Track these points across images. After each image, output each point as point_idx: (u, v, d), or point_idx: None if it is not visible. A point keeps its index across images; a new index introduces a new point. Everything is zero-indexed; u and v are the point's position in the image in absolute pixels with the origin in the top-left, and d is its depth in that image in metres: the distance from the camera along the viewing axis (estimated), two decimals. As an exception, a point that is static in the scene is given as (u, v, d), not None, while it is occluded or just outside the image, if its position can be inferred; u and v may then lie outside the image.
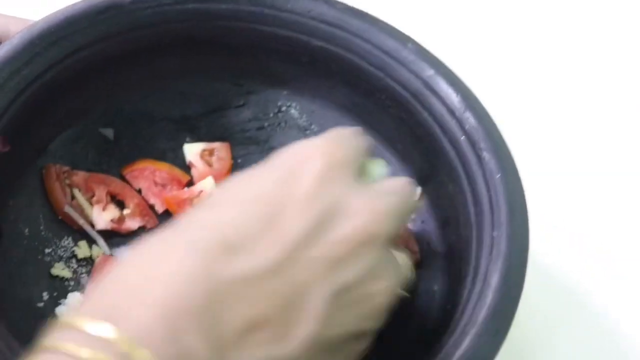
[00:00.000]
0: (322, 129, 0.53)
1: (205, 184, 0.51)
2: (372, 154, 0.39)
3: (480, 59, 0.67)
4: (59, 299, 0.46)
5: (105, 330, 0.27)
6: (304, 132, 0.54)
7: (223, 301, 0.28)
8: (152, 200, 0.51)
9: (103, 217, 0.49)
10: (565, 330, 0.55)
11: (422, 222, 0.50)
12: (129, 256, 0.31)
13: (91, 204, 0.49)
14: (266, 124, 0.54)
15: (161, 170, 0.51)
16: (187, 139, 0.53)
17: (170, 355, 0.27)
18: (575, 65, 0.68)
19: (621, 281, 0.57)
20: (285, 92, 0.53)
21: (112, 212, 0.49)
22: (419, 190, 0.49)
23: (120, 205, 0.50)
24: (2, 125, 0.43)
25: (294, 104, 0.54)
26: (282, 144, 0.53)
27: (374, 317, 0.34)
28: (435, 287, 0.47)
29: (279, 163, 0.34)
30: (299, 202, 0.32)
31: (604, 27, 0.70)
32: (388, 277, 0.34)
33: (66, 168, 0.49)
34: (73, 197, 0.49)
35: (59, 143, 0.49)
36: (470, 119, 0.45)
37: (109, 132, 0.51)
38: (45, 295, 0.46)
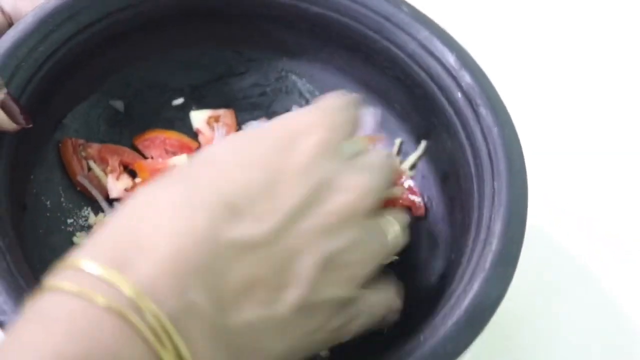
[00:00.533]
0: (322, 92, 0.55)
1: (179, 160, 0.52)
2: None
3: (480, 29, 0.70)
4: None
5: (113, 276, 0.28)
6: (305, 96, 0.56)
7: (225, 262, 0.30)
8: None
9: (117, 186, 0.51)
10: (574, 314, 0.57)
11: (423, 177, 0.53)
12: (138, 201, 0.32)
13: (106, 174, 0.51)
14: (268, 90, 0.56)
15: (171, 138, 0.53)
16: (193, 107, 0.55)
17: (175, 308, 0.28)
18: (585, 39, 0.70)
19: (630, 265, 0.60)
20: (285, 58, 0.55)
21: (126, 181, 0.51)
22: (423, 144, 0.52)
23: (133, 174, 0.52)
24: (22, 103, 0.44)
25: (294, 69, 0.56)
26: (285, 108, 0.56)
27: (354, 282, 0.36)
28: (439, 239, 0.50)
29: (278, 129, 0.36)
30: (297, 172, 0.34)
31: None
32: (371, 248, 0.37)
33: (82, 141, 0.51)
34: (90, 169, 0.51)
35: (72, 117, 0.51)
36: (466, 77, 0.47)
37: (119, 104, 0.53)
38: (72, 263, 0.48)
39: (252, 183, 0.33)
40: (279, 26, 0.53)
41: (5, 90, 0.42)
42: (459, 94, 0.48)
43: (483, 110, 0.46)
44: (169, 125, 0.54)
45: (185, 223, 0.30)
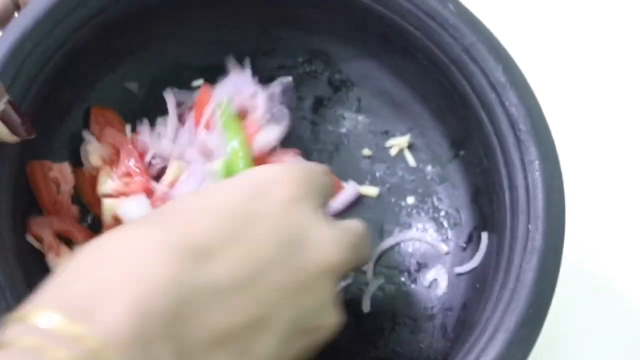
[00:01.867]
0: (353, 81, 0.51)
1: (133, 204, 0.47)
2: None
3: (531, 25, 0.63)
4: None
5: (71, 328, 0.25)
6: (335, 83, 0.52)
7: (193, 310, 0.28)
8: None
9: (59, 263, 0.44)
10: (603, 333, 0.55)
11: (453, 186, 0.49)
12: (98, 246, 0.29)
13: (43, 251, 0.44)
14: (294, 73, 0.52)
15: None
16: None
17: None
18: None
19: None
20: (316, 39, 0.51)
21: (66, 254, 0.44)
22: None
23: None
24: (28, 100, 0.41)
25: (325, 51, 0.51)
26: (312, 94, 0.52)
27: (314, 347, 0.34)
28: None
29: (248, 180, 0.34)
30: (269, 222, 0.32)
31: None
32: (336, 314, 0.35)
33: (49, 163, 0.46)
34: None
35: (82, 102, 0.48)
36: (511, 96, 0.43)
37: (133, 86, 0.49)
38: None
39: (223, 227, 0.31)
40: (313, 7, 0.48)
41: (5, 99, 0.38)
42: (502, 113, 0.43)
43: (525, 137, 0.42)
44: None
45: (147, 268, 0.28)
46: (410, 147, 0.51)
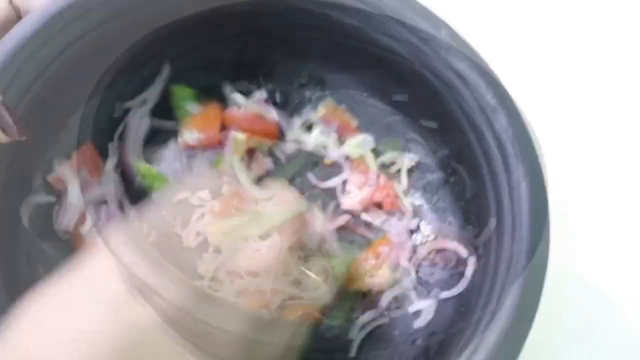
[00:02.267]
0: (349, 104, 0.52)
1: None
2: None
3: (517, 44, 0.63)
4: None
5: None
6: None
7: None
8: None
9: None
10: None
11: (449, 223, 0.49)
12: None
13: None
14: (290, 97, 0.52)
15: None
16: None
17: None
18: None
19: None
20: (312, 65, 0.52)
21: None
22: None
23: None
24: (22, 107, 0.42)
25: (320, 77, 0.52)
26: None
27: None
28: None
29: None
30: None
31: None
32: None
33: None
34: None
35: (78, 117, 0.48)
36: (500, 119, 0.43)
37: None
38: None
39: None
40: (310, 34, 0.49)
41: (-1, 100, 0.39)
42: (491, 137, 0.43)
43: (513, 160, 0.42)
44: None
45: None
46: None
